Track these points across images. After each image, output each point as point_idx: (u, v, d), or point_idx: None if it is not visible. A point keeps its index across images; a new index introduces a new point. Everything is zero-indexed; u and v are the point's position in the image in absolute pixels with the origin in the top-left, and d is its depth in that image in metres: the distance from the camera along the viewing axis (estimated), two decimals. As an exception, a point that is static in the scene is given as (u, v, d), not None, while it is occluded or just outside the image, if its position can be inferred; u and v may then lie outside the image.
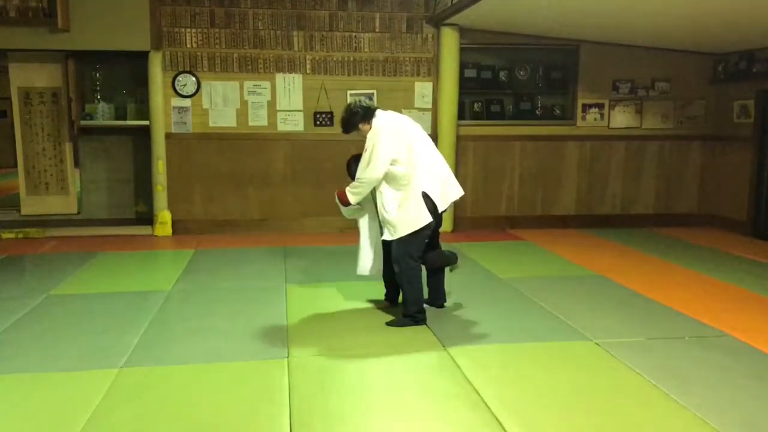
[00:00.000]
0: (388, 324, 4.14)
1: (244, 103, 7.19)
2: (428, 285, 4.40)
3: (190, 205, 7.27)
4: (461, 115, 7.43)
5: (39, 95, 7.28)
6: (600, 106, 7.73)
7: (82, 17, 6.66)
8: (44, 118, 7.33)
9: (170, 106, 7.09)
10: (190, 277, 5.39)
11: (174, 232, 7.22)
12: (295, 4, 7.12)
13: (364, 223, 4.29)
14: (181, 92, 7.08)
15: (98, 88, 7.43)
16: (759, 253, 6.42)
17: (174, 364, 3.50)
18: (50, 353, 3.65)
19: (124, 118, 7.41)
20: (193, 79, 7.08)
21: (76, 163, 7.55)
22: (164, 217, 7.17)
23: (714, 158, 7.92)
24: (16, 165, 7.55)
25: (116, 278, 5.36)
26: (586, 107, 7.70)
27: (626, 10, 5.81)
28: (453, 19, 6.87)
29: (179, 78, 7.06)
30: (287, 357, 3.59)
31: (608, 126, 7.77)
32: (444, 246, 4.53)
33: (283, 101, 7.24)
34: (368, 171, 3.94)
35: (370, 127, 4.04)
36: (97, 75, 7.42)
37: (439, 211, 4.03)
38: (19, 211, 7.42)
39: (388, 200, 3.97)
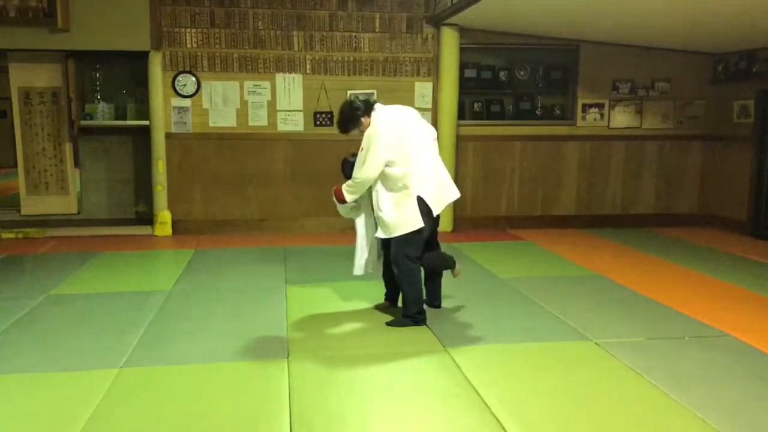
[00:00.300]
0: (388, 324, 4.14)
1: (244, 103, 7.19)
2: (425, 286, 4.38)
3: (190, 205, 7.28)
4: (461, 115, 7.44)
5: (39, 95, 7.28)
6: (600, 106, 7.73)
7: (82, 17, 6.67)
8: (44, 118, 7.33)
9: (170, 106, 7.09)
10: (190, 277, 5.39)
11: (174, 232, 7.22)
12: (295, 4, 7.12)
13: (360, 223, 4.28)
14: (181, 92, 7.08)
15: (98, 88, 7.43)
16: (759, 253, 6.42)
17: (174, 364, 3.50)
18: (50, 353, 3.65)
19: (124, 118, 7.41)
20: (193, 79, 7.08)
21: (76, 163, 7.54)
22: (164, 217, 7.17)
23: (714, 158, 7.92)
24: (16, 165, 7.55)
25: (116, 278, 5.36)
26: (586, 107, 7.70)
27: (626, 10, 5.81)
28: (453, 19, 6.87)
29: (179, 78, 7.07)
30: (287, 357, 3.59)
31: (608, 126, 7.77)
32: (444, 246, 4.52)
33: (283, 101, 7.24)
34: (363, 171, 3.92)
35: (370, 122, 4.02)
36: (97, 75, 7.42)
37: (434, 214, 4.02)
38: (19, 211, 7.42)
39: (384, 200, 3.96)
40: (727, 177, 7.73)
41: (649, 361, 3.52)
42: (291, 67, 7.21)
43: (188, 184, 7.24)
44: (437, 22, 7.19)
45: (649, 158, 7.89)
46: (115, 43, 6.80)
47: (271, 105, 7.23)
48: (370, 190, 4.06)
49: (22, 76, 7.22)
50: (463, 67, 7.38)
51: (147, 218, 7.42)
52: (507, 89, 7.69)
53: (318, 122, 7.29)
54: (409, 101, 7.27)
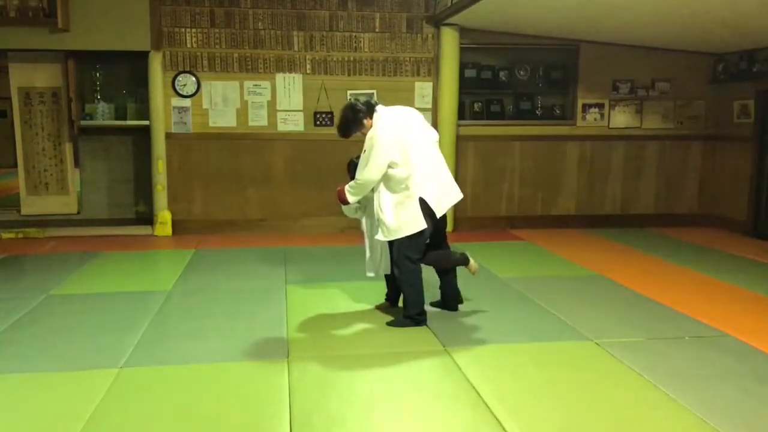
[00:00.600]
0: (389, 324, 4.14)
1: (244, 103, 7.19)
2: (440, 287, 4.38)
3: (190, 205, 7.28)
4: (461, 115, 7.44)
5: (39, 95, 7.28)
6: (600, 106, 7.73)
7: (82, 17, 6.67)
8: (44, 118, 7.33)
9: (170, 106, 7.09)
10: (190, 277, 5.39)
11: (174, 232, 7.22)
12: (295, 4, 7.12)
13: (367, 225, 4.29)
14: (181, 92, 7.08)
15: (98, 88, 7.43)
16: (759, 253, 6.42)
17: (174, 364, 3.50)
18: (50, 353, 3.65)
19: (124, 118, 7.41)
20: (193, 79, 7.08)
21: (76, 163, 7.54)
22: (164, 217, 7.17)
23: (714, 158, 7.92)
24: (16, 165, 7.55)
25: (116, 278, 5.36)
26: (586, 107, 7.70)
27: (626, 10, 5.81)
28: (453, 19, 6.87)
29: (179, 78, 7.07)
30: (287, 357, 3.59)
31: (608, 126, 7.77)
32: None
33: (283, 101, 7.24)
34: (366, 172, 3.92)
35: (372, 123, 4.02)
36: (97, 75, 7.42)
37: (437, 215, 4.01)
38: (19, 211, 7.42)
39: (385, 202, 3.96)
40: (727, 177, 7.72)
41: (649, 361, 3.52)
42: (291, 67, 7.21)
43: (188, 184, 7.24)
44: (437, 22, 7.19)
45: (649, 158, 7.89)
46: (115, 43, 6.80)
47: (271, 105, 7.23)
48: (372, 192, 4.06)
49: (22, 76, 7.22)
50: (463, 67, 7.38)
51: (147, 218, 7.42)
52: (507, 89, 7.69)
53: (318, 122, 7.29)
54: (409, 101, 7.26)
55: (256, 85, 7.18)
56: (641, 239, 7.08)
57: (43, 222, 7.31)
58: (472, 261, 4.32)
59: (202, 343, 3.80)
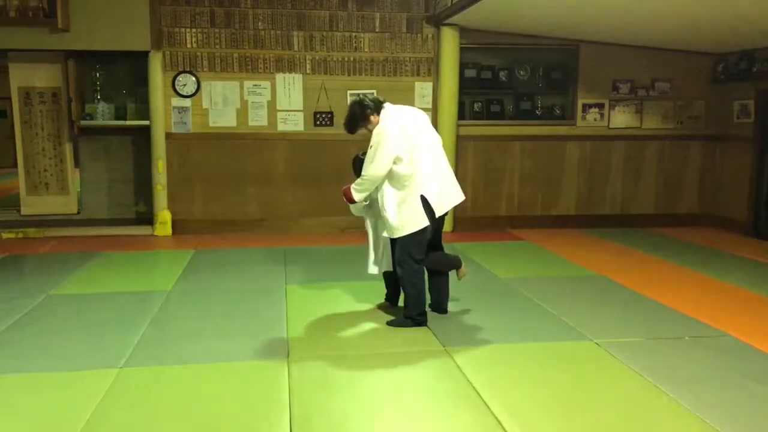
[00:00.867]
0: (389, 323, 4.14)
1: (244, 103, 7.19)
2: (429, 289, 4.33)
3: (190, 205, 7.28)
4: (461, 115, 7.44)
5: (39, 95, 7.28)
6: (600, 106, 7.73)
7: (82, 17, 6.67)
8: (44, 118, 7.33)
9: (170, 106, 7.09)
10: (190, 277, 5.39)
11: (174, 232, 7.22)
12: (295, 4, 7.12)
13: (371, 223, 4.30)
14: (181, 92, 7.08)
15: (98, 88, 7.43)
16: (759, 253, 6.42)
17: (174, 364, 3.50)
18: (50, 353, 3.65)
19: (124, 118, 7.41)
20: (193, 79, 7.08)
21: (76, 163, 7.55)
22: (164, 217, 7.17)
23: (714, 158, 7.92)
24: (16, 165, 7.55)
25: (116, 278, 5.36)
26: (586, 107, 7.70)
27: (626, 10, 5.81)
28: (453, 19, 6.87)
29: (179, 78, 7.07)
30: (287, 357, 3.59)
31: (608, 126, 7.77)
32: (444, 246, 4.50)
33: (283, 101, 7.24)
34: (371, 167, 3.93)
35: (379, 120, 4.02)
36: (97, 75, 7.43)
37: (437, 216, 4.01)
38: (19, 211, 7.42)
39: (389, 200, 3.97)
40: (727, 177, 7.73)
41: (649, 361, 3.52)
42: (291, 67, 7.21)
43: (188, 184, 7.24)
44: (437, 22, 7.19)
45: (649, 158, 7.89)
46: (115, 43, 6.80)
47: (271, 105, 7.23)
48: (377, 191, 4.06)
49: (22, 76, 7.23)
50: (463, 67, 7.38)
51: (147, 218, 7.42)
52: (507, 89, 7.69)
53: (318, 122, 7.29)
54: (409, 101, 7.25)
55: (256, 85, 7.18)
56: (641, 239, 7.08)
57: (43, 222, 7.31)
58: (463, 266, 4.33)
59: (201, 344, 3.80)
